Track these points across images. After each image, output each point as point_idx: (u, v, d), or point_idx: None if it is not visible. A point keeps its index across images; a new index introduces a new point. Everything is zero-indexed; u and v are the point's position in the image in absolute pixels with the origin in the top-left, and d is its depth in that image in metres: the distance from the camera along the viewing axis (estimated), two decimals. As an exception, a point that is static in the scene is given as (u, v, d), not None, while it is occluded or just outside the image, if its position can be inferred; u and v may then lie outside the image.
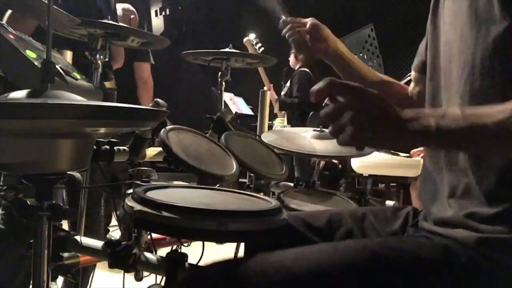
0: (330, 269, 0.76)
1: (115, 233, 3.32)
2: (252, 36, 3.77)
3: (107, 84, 2.22)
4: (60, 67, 1.18)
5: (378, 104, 0.72)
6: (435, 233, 0.84)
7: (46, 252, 1.02)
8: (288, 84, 4.41)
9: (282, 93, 4.43)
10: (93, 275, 1.47)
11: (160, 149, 1.27)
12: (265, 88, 4.13)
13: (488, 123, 0.67)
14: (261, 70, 4.02)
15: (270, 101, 3.32)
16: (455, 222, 0.81)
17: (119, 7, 3.10)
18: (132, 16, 3.14)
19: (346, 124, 0.70)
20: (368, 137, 0.71)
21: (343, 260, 0.77)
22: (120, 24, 1.82)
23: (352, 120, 0.70)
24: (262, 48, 3.75)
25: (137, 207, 0.84)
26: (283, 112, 4.30)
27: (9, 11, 1.78)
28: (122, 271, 1.07)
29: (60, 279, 1.48)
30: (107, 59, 1.68)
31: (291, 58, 4.49)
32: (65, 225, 1.29)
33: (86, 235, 1.18)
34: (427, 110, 0.74)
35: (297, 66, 4.43)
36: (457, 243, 0.79)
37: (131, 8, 3.19)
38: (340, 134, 0.72)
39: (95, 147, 1.19)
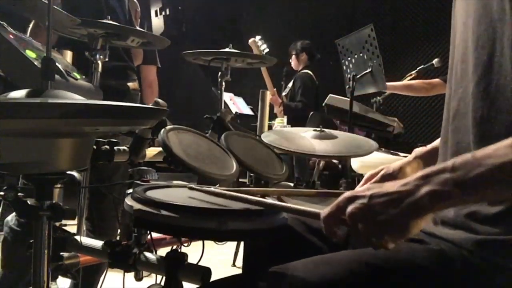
0: (325, 282, 0.77)
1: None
2: (257, 37, 3.75)
3: (131, 85, 2.23)
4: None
5: (380, 197, 0.67)
6: (432, 234, 0.84)
7: (46, 252, 1.02)
8: (290, 85, 4.40)
9: (284, 93, 4.42)
10: (105, 275, 1.46)
11: (160, 149, 1.27)
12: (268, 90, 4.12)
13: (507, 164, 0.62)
14: (265, 75, 4.00)
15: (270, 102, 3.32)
16: (454, 222, 0.81)
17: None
18: (138, 9, 3.14)
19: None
20: (392, 231, 0.67)
21: (337, 272, 0.78)
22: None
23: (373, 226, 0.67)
24: (267, 50, 3.74)
25: (137, 206, 0.84)
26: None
27: (32, 23, 1.81)
28: (122, 271, 1.07)
29: (68, 280, 1.47)
30: (107, 59, 1.68)
31: (293, 60, 4.48)
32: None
33: (100, 237, 1.17)
34: (433, 170, 0.66)
35: (300, 68, 4.42)
36: (453, 246, 0.78)
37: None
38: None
39: (95, 147, 1.19)
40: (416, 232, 0.67)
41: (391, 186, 0.67)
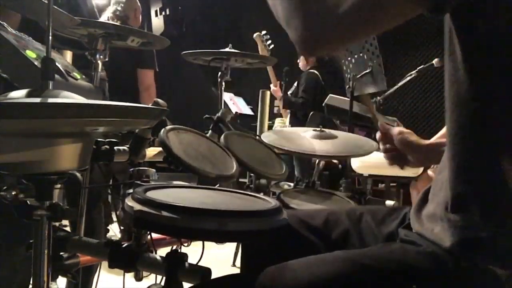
0: (318, 283, 0.76)
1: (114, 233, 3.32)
2: (263, 32, 3.73)
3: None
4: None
5: None
6: (422, 235, 0.84)
7: (46, 252, 1.02)
8: (295, 84, 4.42)
9: (289, 92, 4.43)
10: (98, 275, 1.47)
11: (160, 149, 1.27)
12: (271, 86, 4.13)
13: None
14: (269, 67, 4.00)
15: (271, 101, 3.32)
16: (433, 214, 0.80)
17: None
18: (137, 8, 3.13)
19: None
20: None
21: (330, 273, 0.77)
22: (119, 23, 1.82)
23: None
24: (272, 46, 3.72)
25: (137, 207, 0.84)
26: (288, 111, 4.31)
27: None
28: (122, 271, 1.07)
29: (63, 280, 1.47)
30: (106, 59, 1.68)
31: (302, 60, 4.49)
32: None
33: (87, 235, 1.18)
34: None
35: (307, 68, 4.43)
36: (443, 251, 0.78)
37: None
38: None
39: (95, 147, 1.19)
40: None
41: None
